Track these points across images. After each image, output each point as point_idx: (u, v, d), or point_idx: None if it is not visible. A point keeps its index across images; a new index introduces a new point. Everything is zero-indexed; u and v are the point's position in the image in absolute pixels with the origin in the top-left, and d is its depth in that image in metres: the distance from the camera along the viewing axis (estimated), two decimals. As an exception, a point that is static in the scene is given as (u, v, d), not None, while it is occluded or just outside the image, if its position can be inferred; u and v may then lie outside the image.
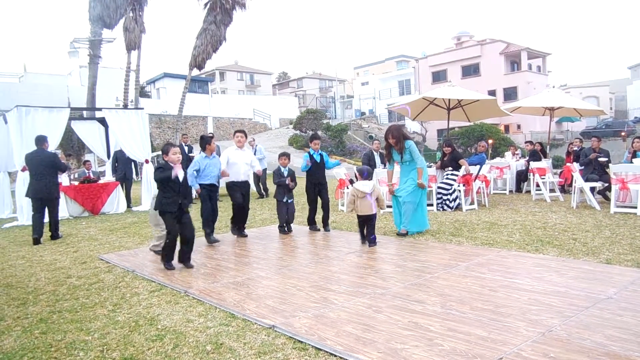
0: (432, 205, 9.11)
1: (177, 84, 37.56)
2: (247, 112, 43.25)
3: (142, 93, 36.58)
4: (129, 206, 11.86)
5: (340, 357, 2.89)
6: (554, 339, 2.97)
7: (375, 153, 11.34)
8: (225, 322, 3.59)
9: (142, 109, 13.43)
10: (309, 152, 7.30)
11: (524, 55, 39.95)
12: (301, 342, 3.15)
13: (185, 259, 5.39)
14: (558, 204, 9.27)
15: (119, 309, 4.07)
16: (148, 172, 11.69)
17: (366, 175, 6.22)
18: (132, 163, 12.50)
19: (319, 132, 34.70)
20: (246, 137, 7.36)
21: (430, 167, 10.11)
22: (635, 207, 7.71)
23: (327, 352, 2.97)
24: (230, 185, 7.07)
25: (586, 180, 8.88)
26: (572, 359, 2.69)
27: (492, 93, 34.46)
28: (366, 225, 6.16)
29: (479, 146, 11.19)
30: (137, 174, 13.06)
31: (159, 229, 5.92)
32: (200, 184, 6.69)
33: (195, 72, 28.42)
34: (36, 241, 7.50)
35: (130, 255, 6.26)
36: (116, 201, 11.37)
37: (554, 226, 6.92)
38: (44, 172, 7.73)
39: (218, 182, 7.03)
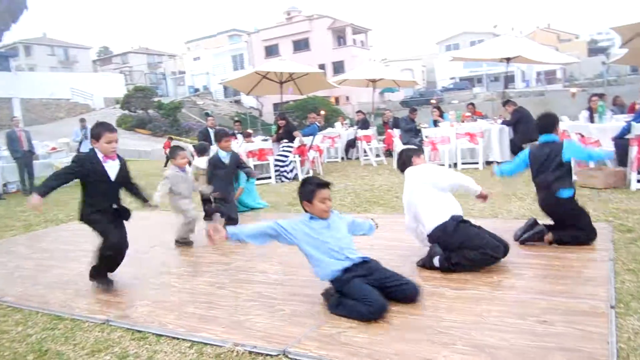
0: (270, 177, 9.30)
1: (-34, 60, 31.63)
2: (64, 91, 38.43)
3: None
4: None
5: (183, 339, 2.82)
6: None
7: (210, 130, 11.06)
8: (50, 326, 3.22)
9: None
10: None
11: (349, 30, 42.51)
12: (140, 331, 2.98)
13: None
14: (383, 167, 10.23)
15: None
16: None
17: (205, 151, 6.18)
18: None
19: (150, 111, 32.64)
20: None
21: (266, 140, 10.31)
22: (442, 165, 8.91)
23: (168, 336, 2.87)
24: None
25: (406, 143, 9.95)
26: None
27: (322, 67, 36.02)
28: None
29: (309, 118, 11.76)
30: None
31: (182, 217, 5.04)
32: None
33: (-9, 45, 24.31)
34: None
35: None
36: None
37: (379, 187, 7.63)
38: None
39: None
